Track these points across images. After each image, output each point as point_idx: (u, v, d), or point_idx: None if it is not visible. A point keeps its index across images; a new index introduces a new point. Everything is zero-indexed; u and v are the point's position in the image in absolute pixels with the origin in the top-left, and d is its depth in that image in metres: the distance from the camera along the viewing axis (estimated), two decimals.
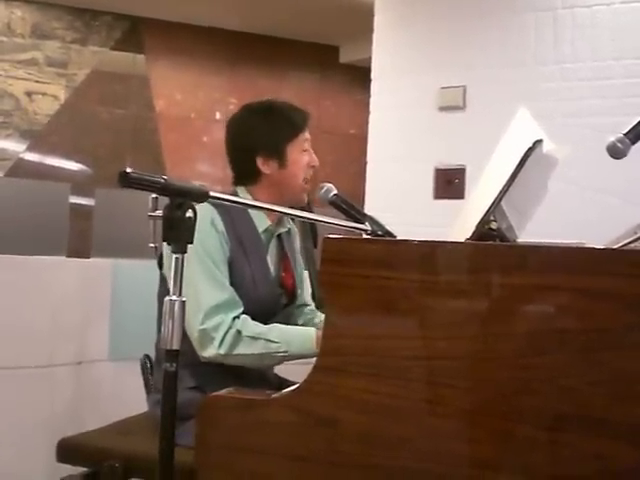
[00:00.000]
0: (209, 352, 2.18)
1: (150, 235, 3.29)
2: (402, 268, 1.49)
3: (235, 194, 2.39)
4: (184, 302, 1.55)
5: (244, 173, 2.42)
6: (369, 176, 4.61)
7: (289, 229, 2.54)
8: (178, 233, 1.53)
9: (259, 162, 2.37)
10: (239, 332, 2.18)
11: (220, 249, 2.26)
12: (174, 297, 1.53)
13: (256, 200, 2.34)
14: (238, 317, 2.21)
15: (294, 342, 2.19)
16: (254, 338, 2.19)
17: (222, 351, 2.16)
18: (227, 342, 2.17)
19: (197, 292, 2.18)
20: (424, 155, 4.41)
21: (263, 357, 2.20)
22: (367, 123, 4.66)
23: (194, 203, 1.58)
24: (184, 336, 2.15)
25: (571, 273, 1.41)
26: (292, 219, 2.55)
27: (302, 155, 2.41)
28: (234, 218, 2.29)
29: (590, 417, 1.38)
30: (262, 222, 2.39)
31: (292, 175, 2.39)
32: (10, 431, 3.26)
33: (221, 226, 2.26)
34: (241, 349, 2.18)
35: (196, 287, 2.18)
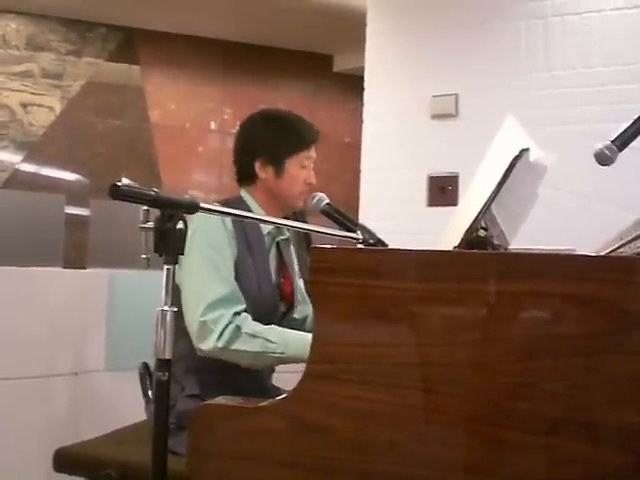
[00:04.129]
0: (207, 345, 2.18)
1: (142, 246, 3.31)
2: (390, 276, 1.51)
3: (239, 198, 2.46)
4: (175, 312, 1.57)
5: (243, 173, 2.49)
6: (363, 184, 4.62)
7: (288, 238, 2.57)
8: (169, 244, 1.54)
9: (257, 166, 2.43)
10: (239, 328, 2.19)
11: (228, 246, 2.29)
12: (165, 307, 1.55)
13: (255, 201, 2.45)
14: (239, 313, 2.22)
15: (292, 345, 2.19)
16: (253, 336, 2.19)
17: (220, 344, 2.17)
18: (225, 336, 2.17)
19: (200, 285, 2.21)
20: (417, 163, 4.43)
21: (260, 356, 2.20)
22: (361, 132, 4.68)
23: (185, 215, 1.60)
24: (189, 340, 2.19)
25: (558, 279, 1.43)
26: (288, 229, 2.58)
27: (300, 171, 2.44)
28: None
29: (579, 422, 1.39)
30: (266, 225, 2.43)
31: (286, 186, 2.44)
32: (8, 441, 3.27)
33: (230, 225, 2.31)
34: (239, 345, 2.18)
35: (200, 280, 2.21)
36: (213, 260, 2.25)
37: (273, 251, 2.48)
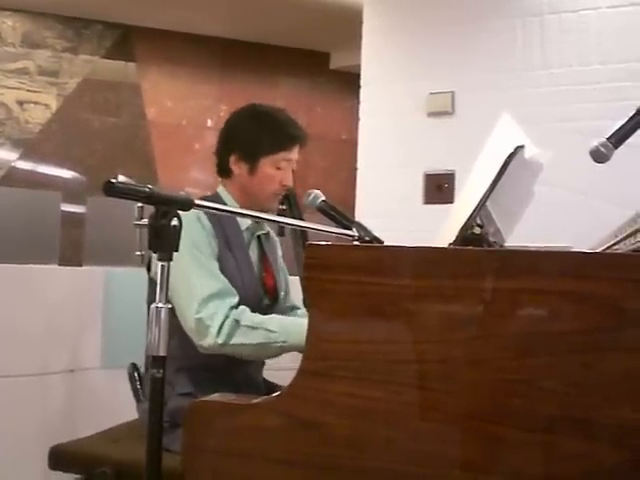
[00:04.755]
0: (207, 342, 2.17)
1: (136, 243, 3.31)
2: (385, 273, 1.51)
3: (216, 194, 2.46)
4: (170, 309, 1.57)
5: (219, 165, 2.48)
6: (359, 182, 4.63)
7: (268, 232, 2.57)
8: (163, 241, 1.54)
9: (231, 160, 2.42)
10: (237, 321, 2.18)
11: (208, 244, 2.28)
12: (160, 304, 1.54)
13: (231, 196, 2.45)
14: (235, 307, 2.21)
15: (293, 332, 2.17)
16: (253, 328, 2.18)
17: (220, 340, 2.15)
18: (225, 331, 2.16)
19: (190, 283, 2.20)
20: (414, 160, 4.43)
21: (262, 347, 2.19)
22: (357, 129, 4.68)
23: (179, 211, 1.59)
24: (179, 339, 2.18)
25: (554, 276, 1.42)
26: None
27: (275, 172, 2.41)
28: (219, 215, 2.31)
29: (575, 419, 1.39)
30: (244, 220, 2.42)
31: (258, 185, 2.42)
32: (3, 438, 3.27)
33: (207, 223, 2.30)
34: (239, 339, 2.17)
35: (188, 279, 2.20)
36: (197, 258, 2.24)
37: (254, 245, 2.48)
